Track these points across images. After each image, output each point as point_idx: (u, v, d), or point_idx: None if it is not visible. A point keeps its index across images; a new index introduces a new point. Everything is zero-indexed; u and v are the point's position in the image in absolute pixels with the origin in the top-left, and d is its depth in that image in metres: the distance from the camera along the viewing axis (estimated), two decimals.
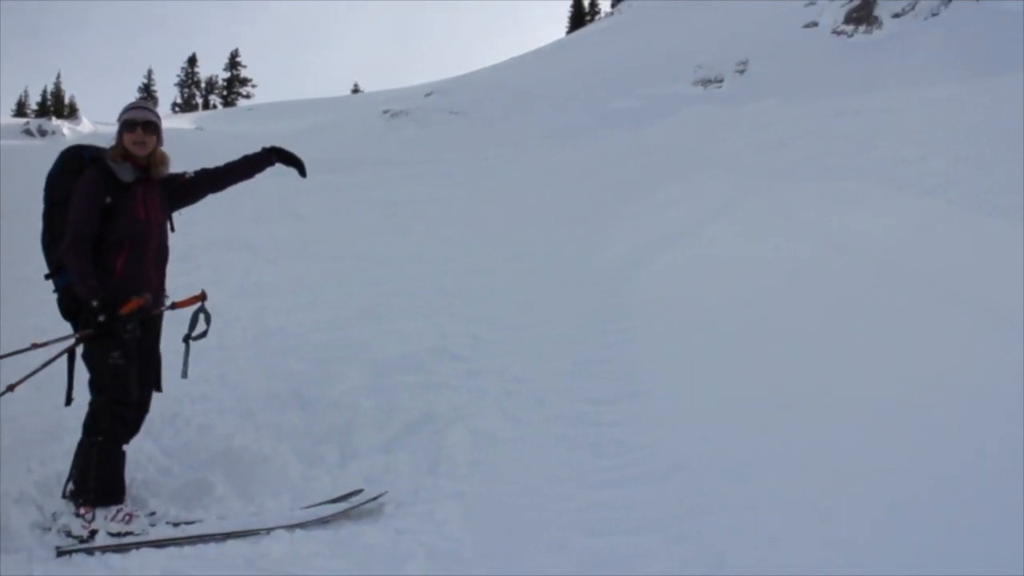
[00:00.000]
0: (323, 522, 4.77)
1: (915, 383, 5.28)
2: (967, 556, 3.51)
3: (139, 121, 5.00)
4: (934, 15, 32.66)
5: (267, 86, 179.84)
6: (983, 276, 7.34)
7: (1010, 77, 18.69)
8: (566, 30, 71.58)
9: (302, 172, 5.70)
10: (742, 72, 30.62)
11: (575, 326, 7.76)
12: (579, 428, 5.51)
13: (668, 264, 9.55)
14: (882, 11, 33.99)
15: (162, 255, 5.13)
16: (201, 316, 5.26)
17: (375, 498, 4.95)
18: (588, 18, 72.19)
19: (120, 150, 4.97)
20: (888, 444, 4.57)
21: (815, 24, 34.64)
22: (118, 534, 4.63)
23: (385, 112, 28.45)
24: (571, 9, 76.29)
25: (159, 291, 5.10)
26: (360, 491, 5.08)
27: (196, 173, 5.47)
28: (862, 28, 33.67)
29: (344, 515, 4.84)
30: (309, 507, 4.95)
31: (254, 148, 5.74)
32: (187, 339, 5.24)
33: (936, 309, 6.67)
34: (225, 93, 79.67)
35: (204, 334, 5.30)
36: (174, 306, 5.22)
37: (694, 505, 4.29)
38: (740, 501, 4.27)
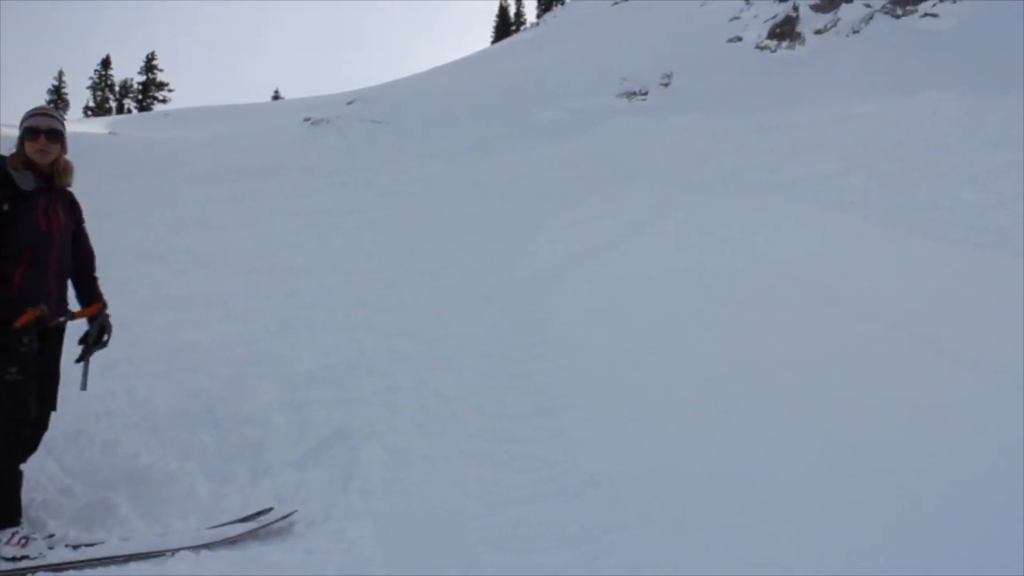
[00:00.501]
0: (230, 542, 4.63)
1: (825, 398, 5.36)
2: (880, 564, 3.54)
3: (42, 129, 4.80)
4: (855, 32, 33.24)
5: (185, 91, 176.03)
6: (895, 292, 7.49)
7: (927, 95, 19.13)
8: (491, 40, 71.70)
9: (84, 355, 5.08)
10: (667, 85, 30.85)
11: (495, 340, 7.70)
12: (496, 444, 5.45)
13: (589, 278, 9.56)
14: (805, 27, 34.53)
15: (64, 267, 4.93)
16: (98, 326, 5.05)
17: (285, 516, 4.82)
18: (513, 28, 72.40)
19: (21, 158, 4.78)
20: (801, 459, 4.61)
21: (739, 39, 35.04)
22: (13, 559, 4.44)
23: (306, 120, 28.01)
24: (496, 19, 76.41)
25: (60, 303, 4.90)
26: (270, 509, 4.94)
27: (81, 246, 5.16)
28: (785, 43, 34.15)
29: (252, 535, 4.70)
30: (216, 527, 4.80)
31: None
32: (85, 349, 5.04)
33: (846, 324, 6.78)
34: (140, 97, 77.96)
35: (104, 344, 5.10)
36: (72, 316, 5.01)
37: (609, 521, 4.25)
38: (656, 517, 4.25)
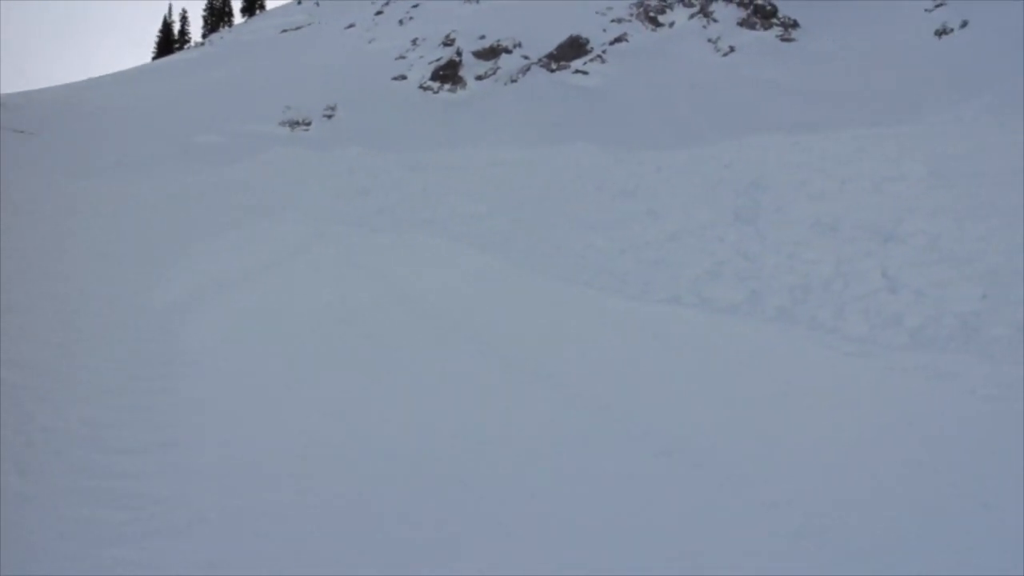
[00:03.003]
0: None
1: (443, 429, 5.55)
2: None
3: None
4: (513, 81, 34.90)
5: None
6: (518, 329, 7.87)
7: (572, 146, 20.32)
8: (152, 55, 68.82)
9: None
10: (330, 117, 30.99)
11: (119, 371, 7.32)
12: (102, 480, 5.16)
13: (229, 308, 9.35)
14: (467, 72, 35.87)
15: None
16: None
17: None
18: (177, 46, 69.92)
19: None
20: (411, 492, 4.73)
21: (404, 77, 35.84)
22: None
23: None
24: (159, 35, 73.55)
25: None
26: None
27: None
28: (447, 86, 35.27)
29: None
30: None
31: None
32: None
33: (477, 361, 7.05)
34: None
35: None
36: None
37: (212, 560, 4.16)
38: (263, 556, 4.21)
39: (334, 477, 5.00)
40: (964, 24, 29.02)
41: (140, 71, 46.41)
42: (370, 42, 40.38)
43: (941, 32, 29.55)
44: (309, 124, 30.12)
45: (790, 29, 34.94)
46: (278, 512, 4.63)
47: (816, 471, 4.77)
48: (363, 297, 9.47)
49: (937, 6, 31.46)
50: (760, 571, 3.86)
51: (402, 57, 37.68)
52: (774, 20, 35.97)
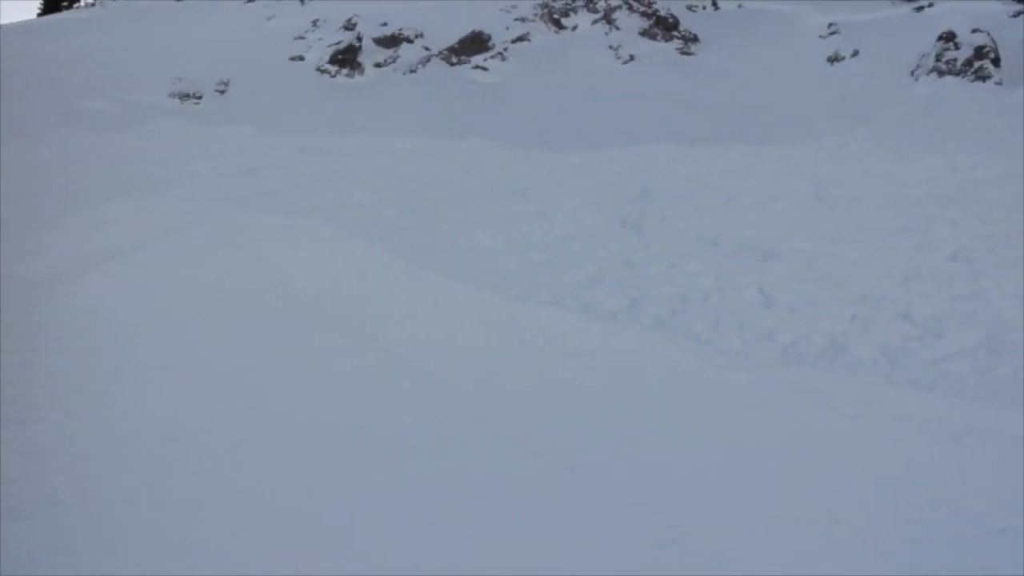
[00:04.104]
0: None
1: (309, 418, 5.49)
2: None
3: None
4: (412, 71, 34.62)
5: None
6: (405, 326, 7.81)
7: (468, 141, 20.28)
8: (38, 11, 66.01)
9: None
10: (223, 93, 30.28)
11: None
12: None
13: (102, 284, 9.08)
14: (366, 58, 35.44)
15: None
16: None
17: None
18: (65, 4, 67.22)
19: None
20: (291, 482, 4.67)
21: (301, 58, 35.24)
22: None
23: None
24: None
25: None
26: None
27: None
28: (345, 71, 34.81)
29: None
30: None
31: None
32: None
33: (353, 353, 6.98)
34: None
35: None
36: None
37: (63, 544, 4.02)
38: (116, 540, 4.08)
39: (196, 465, 4.88)
40: (855, 53, 29.94)
41: (24, 27, 44.50)
42: (269, 19, 39.62)
43: (833, 59, 30.42)
44: (200, 98, 29.39)
45: (690, 43, 35.53)
46: (136, 497, 4.50)
47: (684, 478, 4.85)
48: (242, 281, 9.28)
49: (831, 33, 32.36)
50: (625, 574, 3.91)
51: (301, 38, 37.01)
52: (675, 33, 36.50)
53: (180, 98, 29.07)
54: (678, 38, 36.21)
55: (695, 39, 36.02)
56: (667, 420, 5.67)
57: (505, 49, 35.87)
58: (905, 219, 9.40)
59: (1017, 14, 24.99)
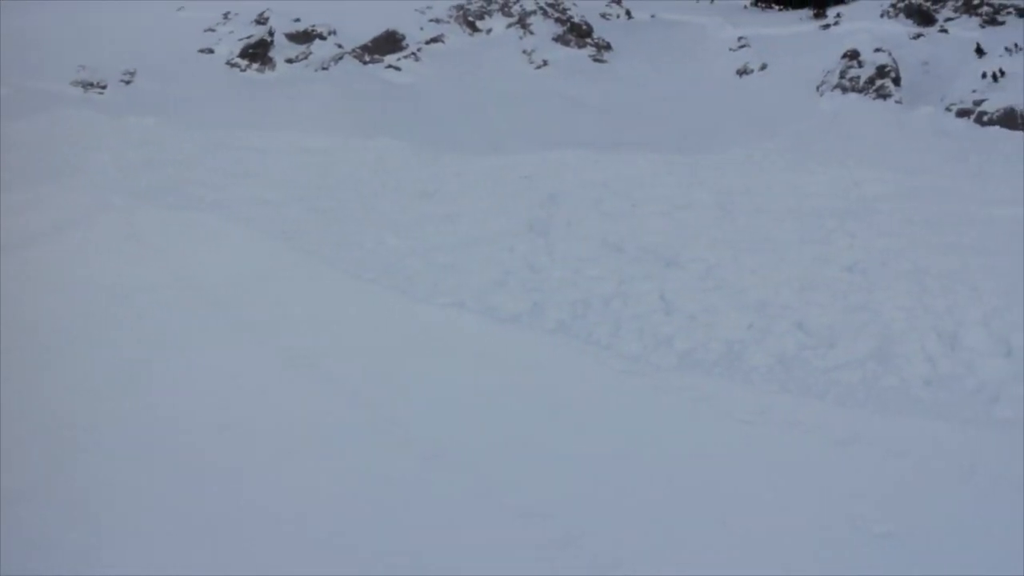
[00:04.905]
0: None
1: (215, 425, 5.39)
2: None
3: None
4: (324, 69, 34.21)
5: None
6: (306, 326, 7.71)
7: (378, 140, 20.13)
8: None
9: None
10: (128, 83, 29.56)
11: None
12: None
13: None
14: (277, 54, 34.91)
15: None
16: None
17: None
18: None
19: None
20: (182, 481, 4.56)
21: (211, 51, 34.60)
22: None
23: None
24: None
25: None
26: None
27: None
28: (256, 66, 34.28)
29: None
30: None
31: None
32: None
33: (251, 351, 6.87)
34: None
35: None
36: None
37: None
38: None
39: (80, 464, 4.76)
40: (764, 67, 30.49)
41: None
42: (179, 10, 38.80)
43: (742, 72, 30.95)
44: (104, 87, 28.66)
45: (603, 51, 35.77)
46: (14, 497, 4.36)
47: (577, 483, 4.87)
48: (141, 276, 9.08)
49: (741, 47, 32.90)
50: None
51: (211, 30, 36.33)
52: (589, 40, 36.71)
53: (84, 87, 28.33)
54: (591, 45, 36.45)
55: (608, 47, 36.31)
56: (564, 423, 5.70)
57: (419, 50, 35.70)
58: (805, 231, 9.61)
59: (917, 36, 25.75)
